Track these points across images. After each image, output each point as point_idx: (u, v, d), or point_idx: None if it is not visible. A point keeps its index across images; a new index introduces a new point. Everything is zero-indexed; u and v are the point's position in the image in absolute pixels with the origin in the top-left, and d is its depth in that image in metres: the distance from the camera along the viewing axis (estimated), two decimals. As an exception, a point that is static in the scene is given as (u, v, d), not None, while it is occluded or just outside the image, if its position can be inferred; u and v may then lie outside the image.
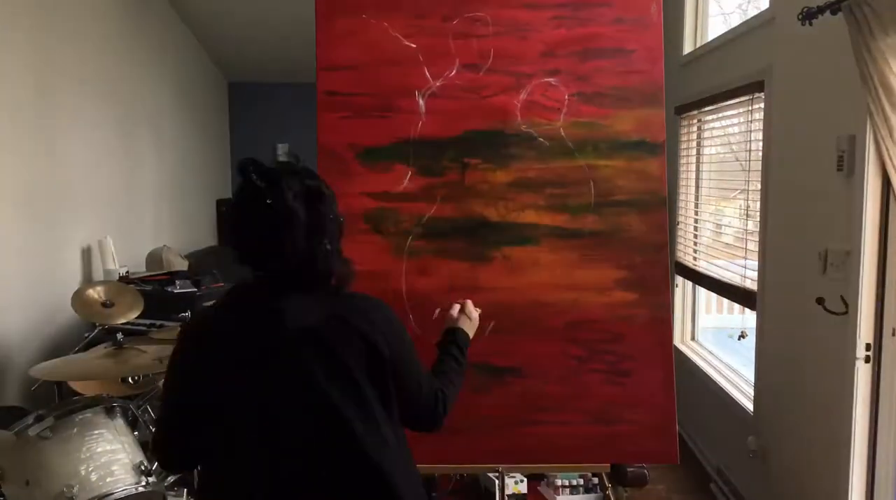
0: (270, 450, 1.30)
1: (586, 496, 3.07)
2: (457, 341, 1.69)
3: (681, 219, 4.27)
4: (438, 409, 1.48)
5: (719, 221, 3.98)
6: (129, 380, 2.29)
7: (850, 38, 1.98)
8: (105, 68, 3.95)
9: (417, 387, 1.44)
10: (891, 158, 1.93)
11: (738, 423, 3.30)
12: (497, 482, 2.25)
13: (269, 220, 1.28)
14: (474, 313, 1.81)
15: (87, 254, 3.60)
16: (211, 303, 1.46)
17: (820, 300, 2.44)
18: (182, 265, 4.18)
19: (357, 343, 1.32)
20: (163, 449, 1.42)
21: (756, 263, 3.15)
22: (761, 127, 3.06)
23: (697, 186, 4.09)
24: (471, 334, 1.77)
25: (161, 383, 2.50)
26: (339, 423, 1.29)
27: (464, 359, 1.69)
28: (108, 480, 1.98)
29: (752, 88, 3.13)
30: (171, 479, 2.37)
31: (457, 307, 1.80)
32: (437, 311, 2.02)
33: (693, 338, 4.29)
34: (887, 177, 1.92)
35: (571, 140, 2.06)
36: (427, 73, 2.05)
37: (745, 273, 3.30)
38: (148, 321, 2.98)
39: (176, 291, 3.53)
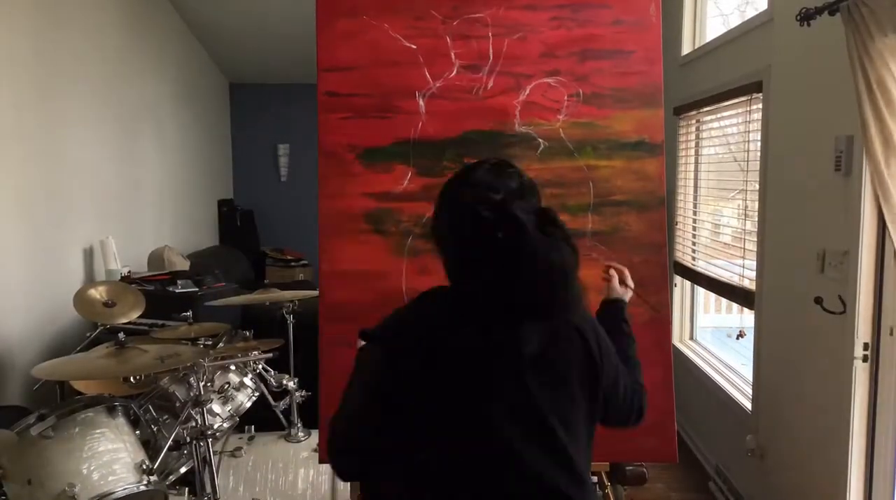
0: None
1: (586, 494, 3.07)
2: (626, 318, 1.63)
3: (679, 219, 4.28)
4: (638, 404, 1.50)
5: (718, 220, 3.98)
6: (131, 379, 2.30)
7: (845, 38, 1.99)
8: (107, 69, 3.96)
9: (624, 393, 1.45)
10: (883, 161, 1.94)
11: (737, 422, 3.31)
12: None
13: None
14: (631, 282, 1.70)
15: (88, 254, 3.61)
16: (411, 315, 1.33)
17: (818, 300, 2.45)
18: (184, 265, 4.19)
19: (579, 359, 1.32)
20: (350, 452, 1.30)
21: (754, 262, 3.16)
22: (759, 127, 3.07)
23: (696, 187, 4.10)
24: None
25: (163, 381, 2.51)
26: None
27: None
28: (109, 479, 2.00)
29: (750, 88, 3.14)
30: (172, 478, 2.38)
31: (615, 277, 1.68)
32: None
33: (692, 337, 4.30)
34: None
35: (571, 141, 2.07)
36: (427, 74, 2.06)
37: (743, 273, 3.31)
38: (150, 321, 2.99)
39: (177, 291, 3.55)
